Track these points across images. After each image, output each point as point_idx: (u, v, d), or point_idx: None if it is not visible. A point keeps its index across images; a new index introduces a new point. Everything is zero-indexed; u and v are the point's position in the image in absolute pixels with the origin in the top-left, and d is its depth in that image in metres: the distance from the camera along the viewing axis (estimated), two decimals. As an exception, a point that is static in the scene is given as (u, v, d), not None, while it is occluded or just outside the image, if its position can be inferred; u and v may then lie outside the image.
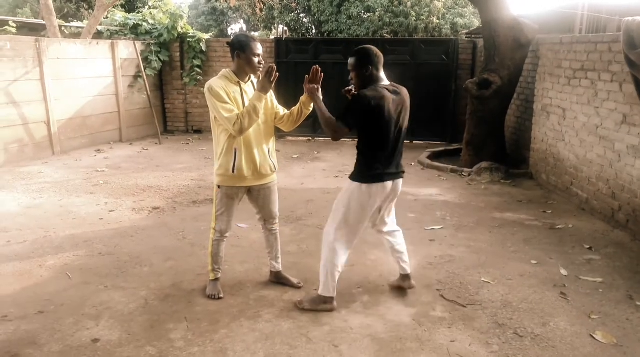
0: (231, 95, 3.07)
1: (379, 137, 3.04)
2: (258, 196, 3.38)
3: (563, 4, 8.42)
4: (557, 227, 4.89)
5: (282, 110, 3.40)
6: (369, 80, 3.05)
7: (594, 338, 2.96)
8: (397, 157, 3.20)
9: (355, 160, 3.17)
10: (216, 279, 3.46)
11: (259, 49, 3.13)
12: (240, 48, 3.09)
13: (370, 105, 2.92)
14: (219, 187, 3.27)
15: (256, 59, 3.10)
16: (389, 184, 3.15)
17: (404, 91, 3.15)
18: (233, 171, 3.16)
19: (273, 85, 3.04)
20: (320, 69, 3.17)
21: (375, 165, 3.08)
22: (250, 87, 3.24)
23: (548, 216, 5.26)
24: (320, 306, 3.23)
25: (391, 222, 3.47)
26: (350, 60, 3.09)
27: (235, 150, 3.14)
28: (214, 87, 3.04)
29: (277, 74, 3.01)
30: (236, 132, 3.02)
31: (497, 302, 3.37)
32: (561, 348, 2.86)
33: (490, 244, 4.45)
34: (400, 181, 3.25)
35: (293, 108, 3.34)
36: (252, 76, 3.23)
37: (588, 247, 4.38)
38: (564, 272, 3.85)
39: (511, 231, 4.78)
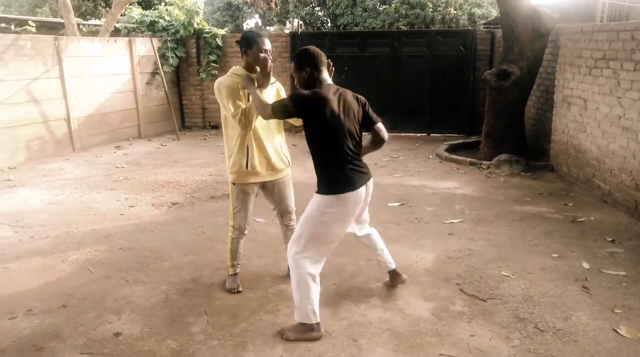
0: (239, 91, 3.09)
1: (332, 139, 2.74)
2: (273, 190, 3.39)
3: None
4: (579, 220, 4.81)
5: None
6: (308, 81, 2.83)
7: (617, 333, 2.90)
8: (358, 159, 2.86)
9: (319, 173, 2.85)
10: (235, 274, 3.50)
11: (267, 44, 3.10)
12: (247, 45, 3.10)
13: (315, 99, 2.71)
14: (233, 184, 3.28)
15: (263, 55, 3.07)
16: (362, 189, 2.83)
17: (349, 92, 2.90)
18: (247, 168, 3.18)
19: (270, 76, 3.04)
20: (332, 63, 3.04)
21: (343, 172, 2.77)
22: None
23: (569, 208, 5.17)
24: (306, 334, 2.85)
25: (365, 224, 3.27)
26: (291, 65, 2.95)
27: (248, 146, 3.16)
28: (222, 84, 3.07)
29: (271, 64, 3.01)
30: (241, 128, 3.04)
31: (518, 296, 3.33)
32: (584, 343, 2.82)
33: (510, 237, 4.39)
34: (371, 183, 2.94)
35: None
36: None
37: (610, 240, 4.30)
38: (586, 265, 3.79)
39: (531, 224, 4.71)
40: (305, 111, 2.77)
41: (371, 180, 2.94)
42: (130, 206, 5.36)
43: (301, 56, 2.87)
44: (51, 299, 3.35)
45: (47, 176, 6.61)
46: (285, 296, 3.38)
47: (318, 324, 2.87)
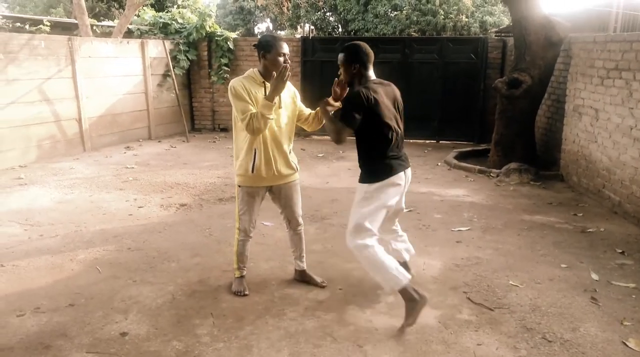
0: (252, 94, 3.07)
1: (381, 131, 3.00)
2: (279, 195, 3.39)
3: (596, 2, 8.19)
4: (588, 230, 4.77)
5: (306, 110, 3.41)
6: (356, 76, 3.07)
7: (626, 345, 2.87)
8: (402, 149, 3.18)
9: (363, 162, 3.13)
10: (241, 277, 3.50)
11: (285, 48, 3.11)
12: (265, 48, 3.09)
13: (365, 100, 2.93)
14: (239, 186, 3.30)
15: (281, 59, 3.08)
16: (402, 175, 3.11)
17: (393, 86, 3.18)
18: (252, 171, 3.18)
19: (286, 84, 3.04)
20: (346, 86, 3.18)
21: (385, 160, 3.05)
22: None
23: (579, 218, 5.13)
24: (416, 309, 2.95)
25: (397, 223, 3.52)
26: (340, 56, 3.11)
27: (255, 150, 3.16)
28: (235, 86, 3.07)
29: (289, 73, 3.01)
30: (250, 132, 3.05)
31: (526, 306, 3.31)
32: (591, 354, 2.79)
33: (518, 246, 4.37)
34: (409, 171, 3.21)
35: (316, 110, 3.36)
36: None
37: (620, 251, 4.26)
38: (594, 276, 3.75)
39: (540, 233, 4.68)
40: (363, 110, 2.93)
41: (409, 169, 3.19)
42: (139, 207, 5.39)
43: (353, 52, 3.05)
44: (59, 298, 3.38)
45: (57, 175, 6.67)
46: (291, 300, 3.38)
47: (412, 287, 2.96)
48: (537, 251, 4.27)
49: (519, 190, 6.20)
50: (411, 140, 9.52)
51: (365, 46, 3.08)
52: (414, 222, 4.94)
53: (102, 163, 7.47)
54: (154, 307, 3.27)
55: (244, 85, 3.08)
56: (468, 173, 7.10)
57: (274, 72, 3.04)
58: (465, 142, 9.37)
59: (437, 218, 5.12)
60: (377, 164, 3.07)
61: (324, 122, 3.25)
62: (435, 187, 6.35)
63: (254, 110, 3.01)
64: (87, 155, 7.99)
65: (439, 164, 7.71)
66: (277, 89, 3.01)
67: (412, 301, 2.96)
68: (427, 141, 9.62)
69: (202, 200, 5.68)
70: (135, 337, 2.92)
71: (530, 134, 7.25)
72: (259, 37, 11.76)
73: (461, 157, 7.96)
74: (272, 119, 3.06)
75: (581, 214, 5.26)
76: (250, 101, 3.05)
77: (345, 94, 3.16)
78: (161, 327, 3.03)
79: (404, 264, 3.47)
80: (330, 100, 3.20)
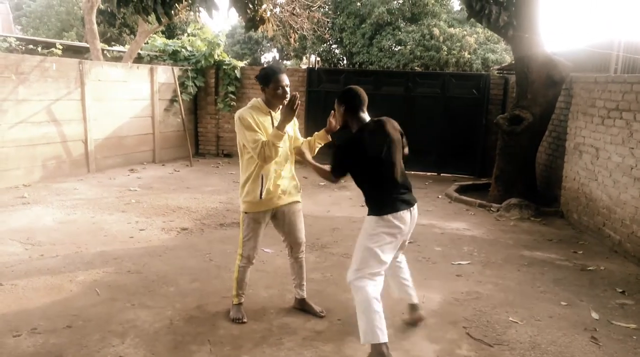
0: (260, 124, 3.14)
1: (375, 172, 3.04)
2: (284, 220, 3.41)
3: (598, 42, 8.36)
4: (589, 268, 4.76)
5: (300, 139, 3.50)
6: (350, 119, 3.14)
7: (626, 387, 2.84)
8: (403, 188, 3.11)
9: (366, 199, 3.15)
10: (240, 304, 3.49)
11: (284, 80, 3.17)
12: (264, 82, 3.19)
13: (353, 146, 3.02)
14: (245, 213, 3.32)
15: (280, 91, 3.15)
16: (405, 213, 3.05)
17: (390, 122, 3.18)
18: (260, 198, 3.22)
19: (296, 113, 3.11)
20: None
21: (383, 198, 3.05)
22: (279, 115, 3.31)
23: (579, 256, 5.13)
24: None
25: (402, 258, 3.51)
26: (337, 98, 3.21)
27: (262, 176, 3.21)
28: (244, 116, 3.12)
29: (299, 102, 3.07)
30: (261, 161, 3.10)
31: (525, 344, 3.29)
32: (592, 395, 2.76)
33: (518, 282, 4.36)
34: (415, 209, 3.14)
35: (309, 139, 3.48)
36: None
37: (621, 291, 4.24)
38: (595, 315, 3.73)
39: (540, 270, 4.67)
40: (353, 157, 3.04)
41: (415, 206, 3.14)
42: (141, 229, 5.40)
43: (347, 95, 3.14)
44: (56, 319, 3.36)
45: (60, 195, 6.70)
46: (289, 329, 3.36)
47: (387, 345, 2.90)
48: (537, 287, 4.26)
49: (519, 225, 6.21)
50: (412, 172, 9.58)
51: (360, 90, 3.15)
52: (414, 254, 4.94)
53: (105, 185, 7.51)
54: (152, 331, 3.25)
55: (252, 115, 3.14)
56: (469, 207, 7.12)
57: (284, 102, 3.13)
58: (466, 176, 9.42)
59: (437, 251, 5.12)
60: (380, 199, 3.07)
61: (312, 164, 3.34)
62: (436, 219, 6.36)
63: (264, 139, 3.07)
64: (91, 176, 8.04)
65: (440, 196, 7.74)
66: (286, 119, 3.08)
67: (380, 355, 2.88)
68: (428, 173, 9.68)
69: (203, 225, 5.69)
70: (131, 361, 2.90)
71: (531, 170, 7.31)
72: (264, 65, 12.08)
73: (462, 190, 7.99)
74: (282, 147, 3.13)
75: (581, 252, 5.25)
76: (259, 130, 3.11)
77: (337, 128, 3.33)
78: (158, 352, 3.01)
79: (413, 307, 3.46)
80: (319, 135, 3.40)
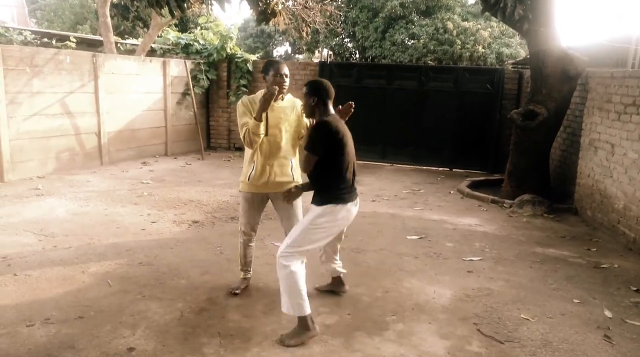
0: (255, 109, 3.36)
1: (342, 161, 3.14)
2: (278, 206, 3.63)
3: (615, 37, 8.21)
4: (602, 266, 4.70)
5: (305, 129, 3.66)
6: (314, 109, 3.23)
7: (640, 387, 2.80)
8: (353, 182, 3.29)
9: (318, 188, 3.21)
10: (244, 278, 3.79)
11: (282, 69, 3.42)
12: (265, 71, 3.48)
13: (333, 130, 3.08)
14: (240, 191, 3.66)
15: (278, 78, 3.39)
16: (350, 205, 3.21)
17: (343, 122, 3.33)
18: (248, 179, 3.53)
19: (270, 105, 3.30)
20: (353, 106, 3.46)
21: (339, 189, 3.16)
22: (281, 103, 3.51)
23: (592, 253, 5.06)
24: (303, 336, 3.06)
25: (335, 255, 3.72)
26: (307, 90, 3.28)
27: (254, 161, 3.50)
28: (240, 103, 3.47)
29: (275, 94, 3.24)
30: (247, 145, 3.43)
31: (537, 341, 3.26)
32: (604, 394, 2.72)
33: (530, 279, 4.31)
34: (357, 202, 3.30)
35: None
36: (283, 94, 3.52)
37: (635, 289, 4.18)
38: (608, 313, 3.68)
39: (553, 267, 4.62)
40: (332, 135, 3.09)
41: (357, 199, 3.30)
42: (152, 222, 5.44)
43: (313, 87, 3.24)
44: (69, 309, 3.40)
45: (74, 187, 6.77)
46: (299, 322, 3.36)
47: (311, 318, 3.10)
48: (550, 284, 4.22)
49: (532, 222, 6.15)
50: (424, 167, 9.54)
51: (327, 83, 3.26)
52: (425, 250, 4.92)
53: (118, 177, 7.57)
54: (162, 323, 3.28)
55: (248, 102, 3.43)
56: (481, 202, 7.06)
57: (283, 90, 3.42)
58: (478, 171, 9.34)
59: (448, 247, 5.08)
60: (330, 192, 3.17)
61: None
62: (448, 215, 6.32)
63: (250, 125, 3.33)
64: (104, 168, 8.11)
65: (452, 192, 7.69)
66: (261, 108, 3.30)
67: (305, 329, 3.08)
68: (440, 169, 9.61)
69: (214, 218, 5.71)
70: (142, 353, 2.92)
71: (545, 166, 7.21)
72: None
73: (474, 186, 7.92)
74: (262, 134, 3.36)
75: (595, 249, 5.19)
76: (250, 116, 3.36)
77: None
78: (168, 344, 3.03)
79: (339, 279, 3.77)
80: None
